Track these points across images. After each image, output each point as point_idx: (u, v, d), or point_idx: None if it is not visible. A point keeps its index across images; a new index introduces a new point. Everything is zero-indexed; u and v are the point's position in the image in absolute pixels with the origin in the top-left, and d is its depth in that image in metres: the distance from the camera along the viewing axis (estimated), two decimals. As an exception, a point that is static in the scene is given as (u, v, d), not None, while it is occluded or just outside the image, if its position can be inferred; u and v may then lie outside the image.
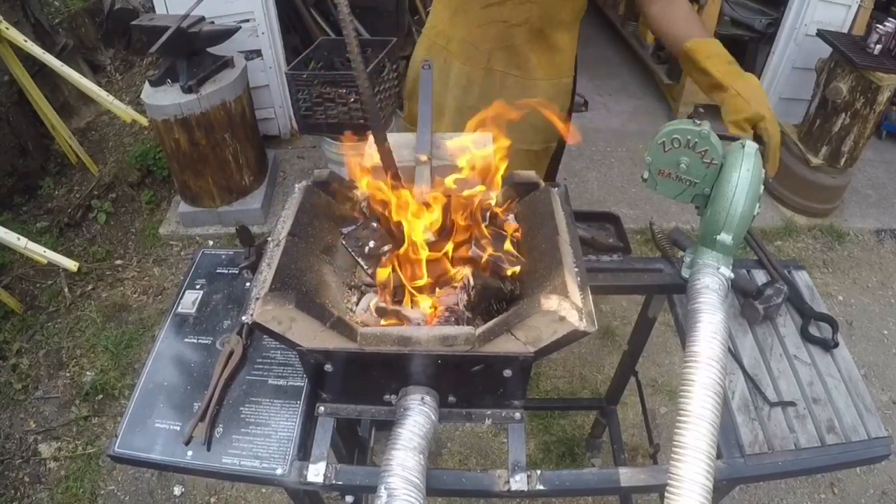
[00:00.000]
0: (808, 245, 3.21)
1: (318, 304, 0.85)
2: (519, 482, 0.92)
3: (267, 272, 0.87)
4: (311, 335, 0.83)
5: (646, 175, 1.09)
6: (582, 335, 0.80)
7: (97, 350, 2.55)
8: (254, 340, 1.13)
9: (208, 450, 0.98)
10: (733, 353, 1.20)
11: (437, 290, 0.95)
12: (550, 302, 0.78)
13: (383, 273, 0.91)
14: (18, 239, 2.29)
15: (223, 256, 1.34)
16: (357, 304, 0.98)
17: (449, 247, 0.96)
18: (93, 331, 2.63)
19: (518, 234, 1.00)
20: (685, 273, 1.12)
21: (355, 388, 0.95)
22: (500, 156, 0.98)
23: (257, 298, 0.82)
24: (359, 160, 0.99)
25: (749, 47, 3.85)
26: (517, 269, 0.93)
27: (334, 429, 1.01)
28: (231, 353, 1.09)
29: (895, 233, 3.32)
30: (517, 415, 0.95)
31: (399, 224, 0.94)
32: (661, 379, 2.47)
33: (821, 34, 3.08)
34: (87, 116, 3.75)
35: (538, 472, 0.95)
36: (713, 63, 1.17)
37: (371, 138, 1.07)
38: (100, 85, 3.24)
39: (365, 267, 0.98)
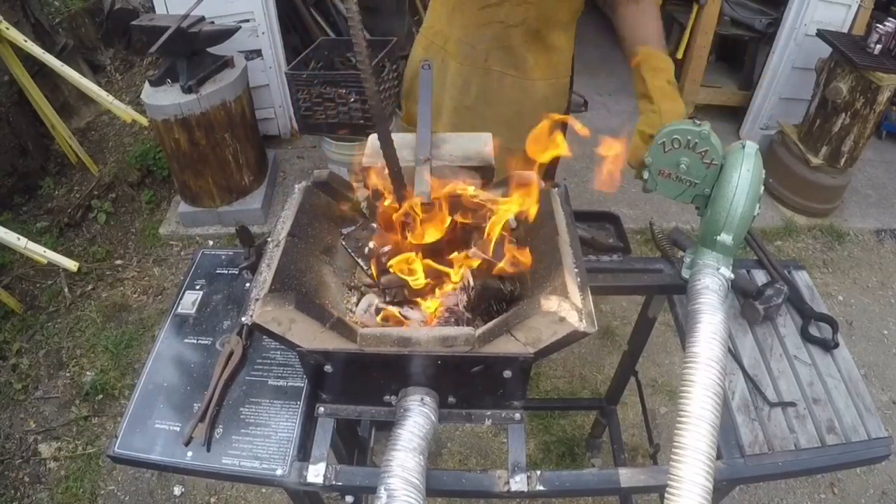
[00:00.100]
0: (808, 245, 3.21)
1: (318, 305, 0.85)
2: (519, 483, 0.92)
3: (266, 273, 0.87)
4: (310, 336, 0.83)
5: (646, 175, 1.09)
6: (582, 336, 0.80)
7: (97, 350, 2.55)
8: (253, 341, 1.13)
9: (208, 450, 0.98)
10: (733, 353, 1.20)
11: (437, 290, 0.95)
12: (550, 303, 0.78)
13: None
14: (18, 239, 2.29)
15: (223, 257, 1.34)
16: (357, 304, 0.98)
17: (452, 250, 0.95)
18: (93, 331, 2.63)
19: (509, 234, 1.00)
20: (685, 273, 1.12)
21: (355, 389, 0.95)
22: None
23: (257, 299, 0.82)
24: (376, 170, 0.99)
25: (749, 47, 3.85)
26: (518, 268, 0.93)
27: (334, 429, 1.01)
28: (231, 354, 1.09)
29: (895, 233, 3.32)
30: (517, 415, 0.95)
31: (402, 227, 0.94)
32: (661, 379, 2.47)
33: (821, 34, 3.07)
34: (87, 116, 3.75)
35: (538, 472, 0.95)
36: (654, 76, 1.20)
37: (371, 139, 1.07)
38: (100, 85, 3.24)
39: (364, 267, 0.98)
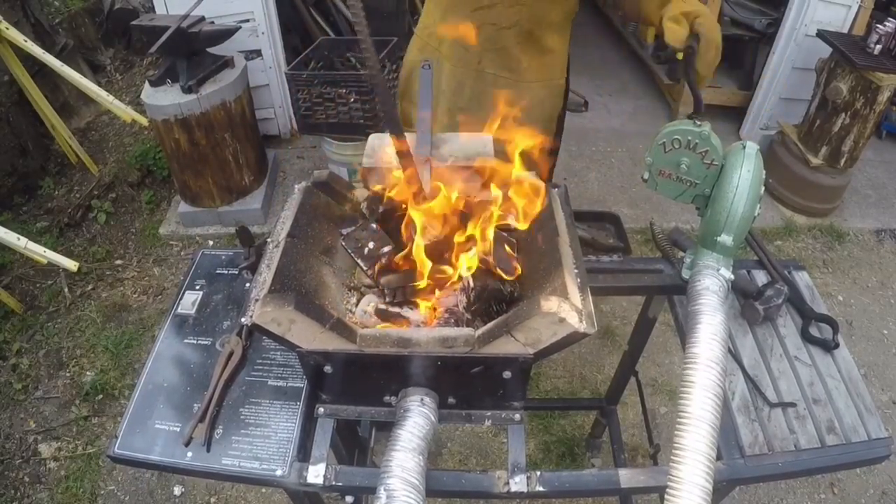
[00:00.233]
0: (808, 245, 3.21)
1: (318, 306, 0.85)
2: (518, 483, 0.92)
3: (266, 273, 0.87)
4: (310, 336, 0.83)
5: (646, 175, 1.09)
6: (582, 337, 0.80)
7: (97, 350, 2.55)
8: (253, 341, 1.13)
9: (208, 451, 0.98)
10: (733, 353, 1.19)
11: (438, 291, 0.95)
12: (550, 303, 0.78)
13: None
14: (18, 239, 2.29)
15: (223, 257, 1.34)
16: (356, 305, 0.98)
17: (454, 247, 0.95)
18: (93, 331, 2.63)
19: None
20: (685, 274, 1.12)
21: (355, 390, 0.95)
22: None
23: (257, 300, 0.82)
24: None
25: (749, 47, 3.85)
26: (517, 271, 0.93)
27: (334, 430, 1.01)
28: (231, 354, 1.08)
29: (895, 233, 3.31)
30: (517, 416, 0.95)
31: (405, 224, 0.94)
32: (661, 379, 2.47)
33: (821, 34, 3.07)
34: (87, 116, 3.75)
35: (538, 473, 0.95)
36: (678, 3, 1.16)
37: (371, 139, 1.07)
38: (100, 85, 3.24)
39: (364, 268, 0.98)
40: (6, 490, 2.12)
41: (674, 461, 0.77)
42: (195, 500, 2.09)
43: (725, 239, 0.99)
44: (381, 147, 1.06)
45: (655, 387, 2.44)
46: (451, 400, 0.92)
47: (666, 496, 0.75)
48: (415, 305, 0.94)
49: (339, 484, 0.94)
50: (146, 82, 2.82)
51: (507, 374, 0.87)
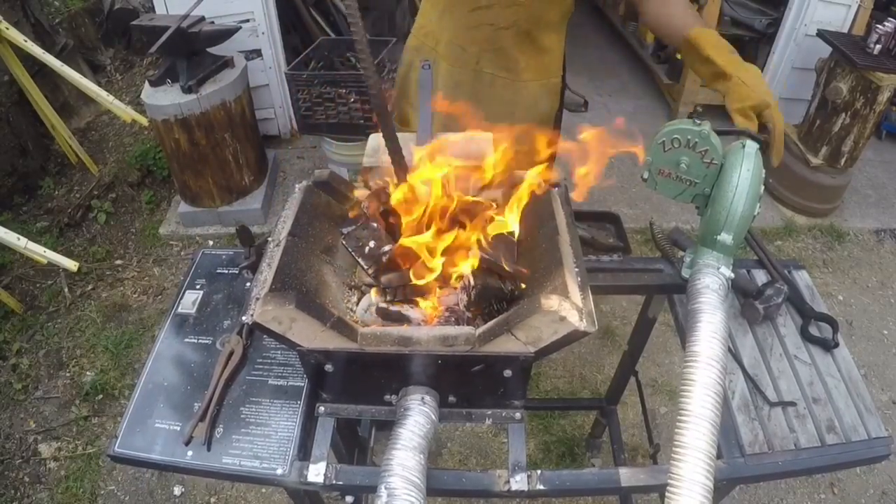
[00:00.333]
0: (808, 245, 3.21)
1: (319, 305, 0.85)
2: (519, 482, 0.92)
3: (267, 272, 0.87)
4: (311, 335, 0.83)
5: (646, 175, 1.09)
6: (582, 335, 0.80)
7: (97, 350, 2.55)
8: (254, 340, 1.13)
9: (208, 450, 0.98)
10: (733, 352, 1.20)
11: (438, 290, 0.95)
12: (551, 302, 0.78)
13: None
14: (18, 239, 2.29)
15: (223, 256, 1.34)
16: (357, 304, 0.98)
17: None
18: (93, 331, 2.63)
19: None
20: (685, 273, 1.12)
21: (356, 389, 0.95)
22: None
23: (257, 298, 0.82)
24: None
25: (749, 47, 3.85)
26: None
27: (334, 429, 1.01)
28: (231, 354, 1.09)
29: (895, 233, 3.32)
30: (517, 415, 0.95)
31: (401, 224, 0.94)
32: (661, 379, 2.47)
33: (821, 34, 3.08)
34: (87, 116, 3.75)
35: (538, 472, 0.95)
36: (716, 52, 1.16)
37: (370, 139, 1.07)
38: (100, 85, 3.24)
39: (365, 267, 0.98)
40: (6, 490, 2.12)
41: (674, 459, 0.77)
42: (195, 500, 2.09)
43: (725, 238, 0.99)
44: (382, 147, 1.06)
45: (655, 387, 2.44)
46: (451, 398, 0.93)
47: (667, 494, 0.75)
48: (415, 304, 0.94)
49: (340, 483, 0.94)
50: (146, 82, 2.83)
51: (507, 373, 0.87)
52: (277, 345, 1.10)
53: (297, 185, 1.06)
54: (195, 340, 1.15)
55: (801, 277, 1.37)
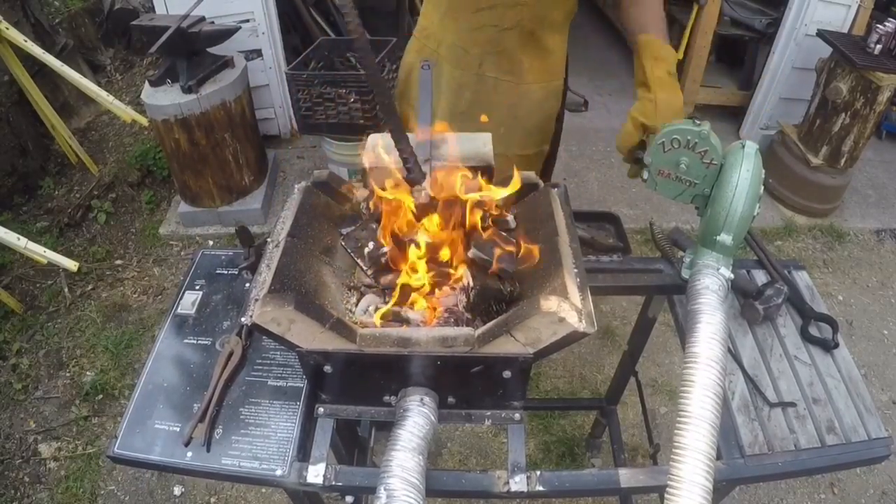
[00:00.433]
0: (808, 245, 3.21)
1: (318, 306, 0.85)
2: (518, 483, 0.92)
3: (266, 273, 0.87)
4: (310, 336, 0.83)
5: (645, 175, 1.09)
6: (581, 336, 0.80)
7: (97, 350, 2.55)
8: (253, 341, 1.13)
9: (208, 451, 0.98)
10: (733, 353, 1.19)
11: (437, 291, 0.95)
12: (550, 303, 0.78)
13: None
14: (18, 239, 2.29)
15: (223, 257, 1.34)
16: (356, 305, 0.98)
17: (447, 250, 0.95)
18: (93, 331, 2.63)
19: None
20: (685, 274, 1.12)
21: (355, 389, 0.95)
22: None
23: (256, 300, 0.82)
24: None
25: (749, 47, 3.85)
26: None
27: (334, 429, 1.01)
28: (230, 354, 1.08)
29: (895, 233, 3.31)
30: (517, 415, 0.95)
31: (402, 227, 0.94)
32: (661, 379, 2.47)
33: (821, 34, 3.07)
34: (87, 116, 3.75)
35: (538, 472, 0.94)
36: (654, 65, 1.20)
37: (370, 139, 1.07)
38: (100, 85, 3.24)
39: (364, 268, 0.98)
40: (6, 490, 2.12)
41: (674, 460, 0.77)
42: (195, 500, 2.09)
43: (725, 238, 0.99)
44: (382, 147, 1.06)
45: (655, 387, 2.44)
46: (450, 399, 0.92)
47: (666, 495, 0.75)
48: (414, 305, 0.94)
49: (339, 484, 0.94)
50: (146, 82, 2.82)
51: (506, 374, 0.87)
52: (277, 346, 1.10)
53: (296, 186, 1.06)
54: (195, 341, 1.15)
55: (801, 278, 1.37)
